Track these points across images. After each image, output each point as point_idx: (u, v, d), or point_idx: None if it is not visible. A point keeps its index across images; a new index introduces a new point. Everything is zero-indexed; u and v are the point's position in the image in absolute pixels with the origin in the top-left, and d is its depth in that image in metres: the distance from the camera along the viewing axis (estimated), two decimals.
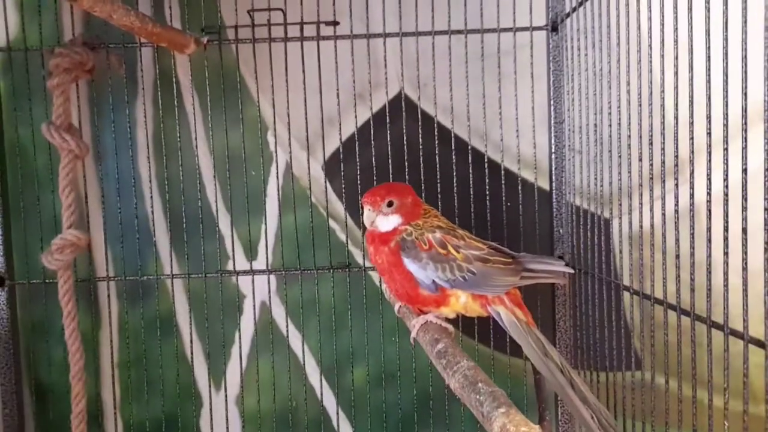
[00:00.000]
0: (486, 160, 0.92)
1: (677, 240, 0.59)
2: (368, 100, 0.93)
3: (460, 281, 0.69)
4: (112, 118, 0.94)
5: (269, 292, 0.98)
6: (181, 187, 0.94)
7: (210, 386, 0.99)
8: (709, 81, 0.53)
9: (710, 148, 0.54)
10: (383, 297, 0.94)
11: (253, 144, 0.96)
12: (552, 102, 0.94)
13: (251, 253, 0.98)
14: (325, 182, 0.97)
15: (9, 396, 0.94)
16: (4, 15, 0.92)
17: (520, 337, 0.70)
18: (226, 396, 0.99)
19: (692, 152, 0.56)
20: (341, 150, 0.95)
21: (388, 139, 0.92)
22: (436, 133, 0.92)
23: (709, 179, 0.55)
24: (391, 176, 0.92)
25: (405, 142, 0.92)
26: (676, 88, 0.58)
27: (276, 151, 0.97)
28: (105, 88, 0.94)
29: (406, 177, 0.92)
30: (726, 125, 0.50)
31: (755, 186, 0.49)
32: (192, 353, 0.97)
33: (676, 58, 0.57)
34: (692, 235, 0.57)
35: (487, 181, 0.92)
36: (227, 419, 0.99)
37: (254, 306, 0.99)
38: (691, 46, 0.55)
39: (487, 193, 0.92)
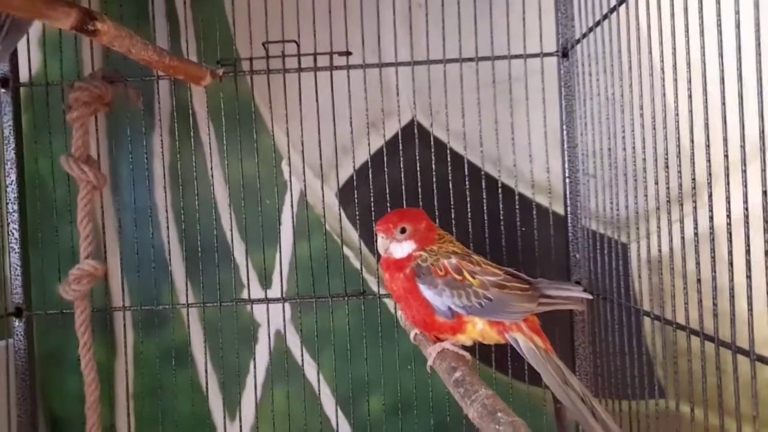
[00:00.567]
0: (500, 185, 0.92)
1: (698, 263, 0.58)
2: (381, 128, 0.94)
3: (476, 308, 0.68)
4: (130, 149, 0.95)
5: (284, 320, 0.98)
6: (196, 217, 0.95)
7: (225, 417, 0.98)
8: (724, 104, 0.53)
9: (728, 170, 0.53)
10: (398, 324, 0.93)
11: (268, 173, 0.97)
12: (564, 127, 0.94)
13: (266, 282, 0.98)
14: (339, 210, 0.97)
15: (26, 428, 0.94)
16: (27, 53, 0.95)
17: (539, 364, 0.68)
18: (240, 426, 0.98)
19: (710, 174, 0.55)
20: (355, 177, 0.96)
21: (402, 165, 0.92)
22: (449, 159, 0.92)
23: (728, 201, 0.54)
24: (404, 202, 0.92)
25: (418, 169, 0.92)
26: (690, 111, 0.57)
27: (290, 180, 0.98)
28: (123, 121, 0.96)
29: (420, 203, 0.92)
30: (743, 147, 0.50)
31: None
32: (207, 383, 0.97)
33: (689, 81, 0.57)
34: (713, 258, 0.56)
35: (501, 206, 0.92)
36: None
37: (269, 335, 0.98)
38: (704, 69, 0.55)
39: (502, 218, 0.91)
